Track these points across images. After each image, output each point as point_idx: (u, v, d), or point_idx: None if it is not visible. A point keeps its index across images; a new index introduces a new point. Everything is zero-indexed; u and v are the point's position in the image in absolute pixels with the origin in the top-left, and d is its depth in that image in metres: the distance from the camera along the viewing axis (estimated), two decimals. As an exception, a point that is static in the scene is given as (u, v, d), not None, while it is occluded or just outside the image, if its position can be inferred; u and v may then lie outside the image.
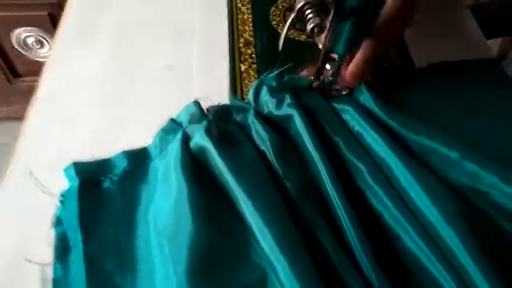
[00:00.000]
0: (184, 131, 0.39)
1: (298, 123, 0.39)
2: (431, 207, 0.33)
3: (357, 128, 0.41)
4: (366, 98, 0.43)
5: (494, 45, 0.90)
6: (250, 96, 0.43)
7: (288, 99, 0.41)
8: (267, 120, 0.41)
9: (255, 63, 0.50)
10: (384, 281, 0.31)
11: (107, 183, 0.38)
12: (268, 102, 0.42)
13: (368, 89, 0.43)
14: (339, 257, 0.32)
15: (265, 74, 0.44)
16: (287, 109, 0.40)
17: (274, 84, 0.43)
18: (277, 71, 0.44)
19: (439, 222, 0.33)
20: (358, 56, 0.41)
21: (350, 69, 0.42)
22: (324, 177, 0.36)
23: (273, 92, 0.42)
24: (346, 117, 0.42)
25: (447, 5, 0.58)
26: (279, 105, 0.41)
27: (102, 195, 0.37)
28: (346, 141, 0.39)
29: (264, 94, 0.42)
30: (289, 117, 0.40)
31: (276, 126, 0.41)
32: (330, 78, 0.44)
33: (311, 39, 0.53)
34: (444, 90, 0.46)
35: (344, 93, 0.44)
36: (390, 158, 0.37)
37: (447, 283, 0.32)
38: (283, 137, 0.40)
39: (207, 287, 0.31)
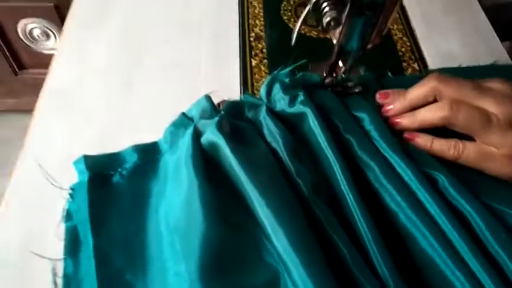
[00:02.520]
0: (195, 126, 0.38)
1: (312, 121, 0.38)
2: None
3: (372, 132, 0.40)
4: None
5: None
6: (262, 92, 0.42)
7: (301, 97, 0.40)
8: (279, 117, 0.40)
9: (266, 58, 0.49)
10: (399, 282, 0.31)
11: (116, 178, 0.37)
12: (280, 99, 0.41)
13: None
14: (353, 257, 0.31)
15: (277, 70, 0.43)
16: (300, 106, 0.40)
17: (286, 80, 0.42)
18: (290, 68, 0.43)
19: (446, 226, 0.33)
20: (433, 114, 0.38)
21: (419, 118, 0.39)
22: (338, 176, 0.35)
23: (285, 88, 0.41)
24: (360, 115, 0.41)
25: (461, 2, 0.58)
26: (291, 102, 0.40)
27: (111, 189, 0.37)
28: (359, 140, 0.38)
29: (277, 91, 0.41)
30: (302, 115, 0.39)
31: (289, 123, 0.40)
32: (343, 75, 0.44)
33: (322, 35, 0.52)
34: None
35: (357, 90, 0.44)
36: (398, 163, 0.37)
37: (460, 284, 0.32)
38: (296, 134, 0.39)
39: (219, 286, 0.31)
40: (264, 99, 0.42)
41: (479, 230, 0.34)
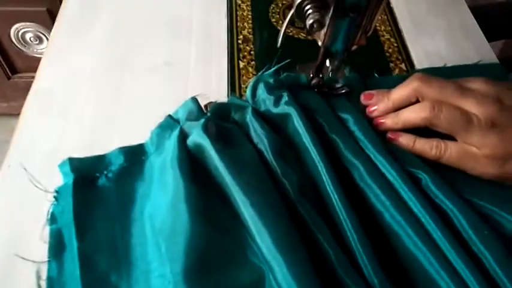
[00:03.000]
0: (181, 127, 0.38)
1: (297, 122, 0.38)
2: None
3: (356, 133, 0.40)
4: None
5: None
6: (247, 93, 0.42)
7: (285, 97, 0.40)
8: (265, 118, 0.40)
9: (254, 60, 0.50)
10: (385, 282, 0.31)
11: (102, 180, 0.37)
12: (265, 100, 0.41)
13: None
14: (339, 258, 0.32)
15: (262, 71, 0.44)
16: (284, 107, 0.40)
17: (271, 81, 0.42)
18: (274, 68, 0.43)
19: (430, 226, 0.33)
20: (415, 114, 0.38)
21: (403, 119, 0.39)
22: (324, 177, 0.35)
23: (270, 89, 0.41)
24: (345, 116, 0.41)
25: (448, 2, 0.58)
26: (276, 103, 0.40)
27: (97, 192, 0.37)
28: (344, 140, 0.39)
29: (262, 92, 0.41)
30: (286, 116, 0.40)
31: (274, 124, 0.40)
32: (329, 76, 0.44)
33: (310, 37, 0.52)
34: None
35: (343, 91, 0.44)
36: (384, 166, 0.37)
37: (445, 283, 0.32)
38: (282, 135, 0.39)
39: (204, 287, 0.31)
40: (250, 101, 0.42)
41: (461, 228, 0.34)
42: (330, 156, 0.37)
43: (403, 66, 0.50)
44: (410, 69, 0.49)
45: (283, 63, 0.44)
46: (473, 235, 0.33)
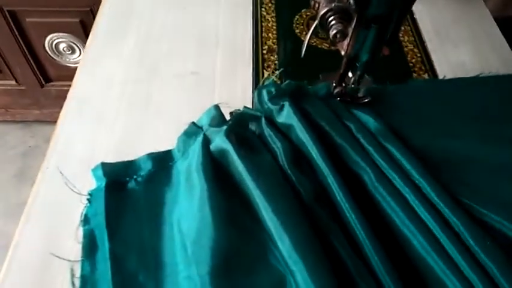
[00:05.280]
0: (204, 134, 0.40)
1: (300, 132, 0.39)
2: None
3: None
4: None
5: None
6: (256, 104, 0.43)
7: (286, 107, 0.41)
8: (278, 128, 0.41)
9: (278, 69, 0.51)
10: (398, 283, 0.31)
11: (132, 184, 0.39)
12: (272, 109, 0.42)
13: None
14: (355, 263, 0.32)
15: (262, 81, 0.45)
16: (287, 117, 0.41)
17: (273, 90, 0.43)
18: (273, 77, 0.45)
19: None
20: None
21: None
22: (333, 187, 0.36)
23: (272, 98, 0.42)
24: (348, 123, 0.42)
25: (472, 13, 0.58)
26: (279, 112, 0.42)
27: (127, 195, 0.38)
28: (352, 145, 0.39)
29: (265, 101, 0.43)
30: (289, 126, 0.41)
31: (288, 133, 0.41)
32: (352, 86, 0.44)
33: (334, 48, 0.53)
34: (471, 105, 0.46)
35: (366, 101, 0.45)
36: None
37: (453, 285, 0.33)
38: (295, 144, 0.40)
39: None
40: (261, 110, 0.43)
41: (465, 239, 0.34)
42: (338, 162, 0.38)
43: (426, 76, 0.50)
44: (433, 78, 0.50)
45: (278, 72, 0.45)
46: (476, 246, 0.33)
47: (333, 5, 0.35)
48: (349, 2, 0.35)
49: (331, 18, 0.36)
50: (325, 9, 0.36)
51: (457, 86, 0.46)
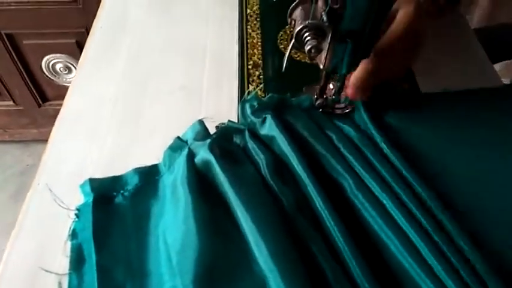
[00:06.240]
0: (189, 147, 0.41)
1: (282, 143, 0.41)
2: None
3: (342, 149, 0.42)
4: (360, 117, 0.45)
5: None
6: (240, 117, 0.45)
7: (268, 119, 0.43)
8: (261, 140, 0.43)
9: (262, 83, 0.52)
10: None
11: (119, 199, 0.40)
12: (255, 122, 0.44)
13: (365, 109, 0.45)
14: (334, 272, 0.33)
15: (245, 94, 0.46)
16: (269, 129, 0.42)
17: (255, 104, 0.45)
18: (255, 91, 0.47)
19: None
20: (359, 68, 0.42)
21: (351, 80, 0.43)
22: (313, 196, 0.38)
23: (255, 112, 0.44)
24: (329, 133, 0.44)
25: (453, 27, 0.60)
26: (261, 125, 0.43)
27: (114, 210, 0.39)
28: (333, 154, 0.41)
29: (248, 114, 0.44)
30: (272, 138, 0.42)
31: (268, 145, 0.43)
32: (333, 97, 0.46)
33: (314, 62, 0.55)
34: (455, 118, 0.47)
35: (347, 111, 0.46)
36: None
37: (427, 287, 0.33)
38: (277, 155, 0.42)
39: None
40: (244, 123, 0.45)
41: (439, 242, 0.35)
42: (318, 171, 0.39)
43: (405, 85, 0.51)
44: (413, 87, 0.51)
45: (254, 90, 0.47)
46: (449, 252, 0.34)
47: (307, 22, 0.37)
48: (323, 19, 0.37)
49: (306, 34, 0.38)
50: (300, 26, 0.37)
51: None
